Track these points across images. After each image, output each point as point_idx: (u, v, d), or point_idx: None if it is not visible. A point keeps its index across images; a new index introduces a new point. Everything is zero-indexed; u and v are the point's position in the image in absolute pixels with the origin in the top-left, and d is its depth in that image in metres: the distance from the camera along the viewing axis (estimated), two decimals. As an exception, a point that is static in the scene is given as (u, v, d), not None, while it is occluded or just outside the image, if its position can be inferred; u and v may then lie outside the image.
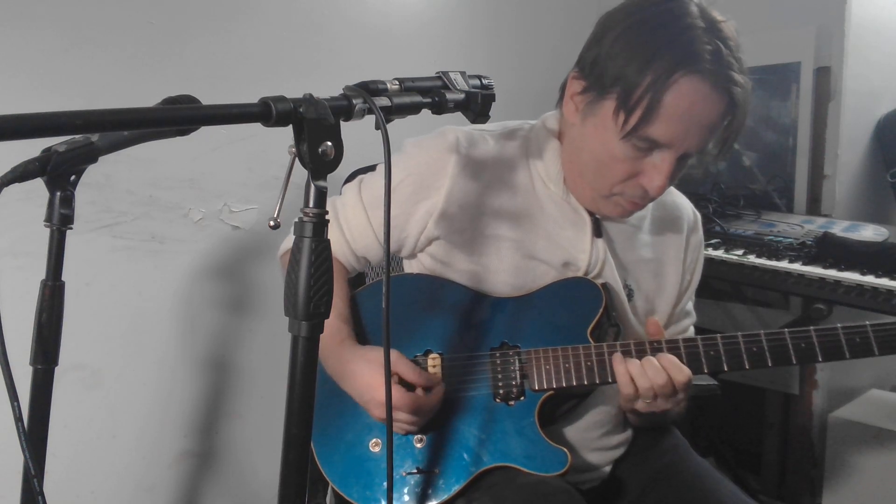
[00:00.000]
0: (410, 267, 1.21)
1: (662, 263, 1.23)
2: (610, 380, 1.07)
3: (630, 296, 1.18)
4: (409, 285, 1.17)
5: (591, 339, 1.10)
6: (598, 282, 1.13)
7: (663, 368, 1.03)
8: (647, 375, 1.03)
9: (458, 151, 1.10)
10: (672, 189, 1.25)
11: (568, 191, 1.15)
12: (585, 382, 1.07)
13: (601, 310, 1.10)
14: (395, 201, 1.11)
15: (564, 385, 1.07)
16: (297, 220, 0.70)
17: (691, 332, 1.30)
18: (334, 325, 1.10)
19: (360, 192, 1.17)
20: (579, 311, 1.11)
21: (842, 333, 1.03)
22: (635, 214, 1.16)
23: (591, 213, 1.15)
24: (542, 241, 1.13)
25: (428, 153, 1.11)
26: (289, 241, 1.23)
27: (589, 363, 1.07)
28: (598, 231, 1.15)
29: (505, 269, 1.13)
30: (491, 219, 1.12)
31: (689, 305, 1.29)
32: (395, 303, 1.12)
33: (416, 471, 1.07)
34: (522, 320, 1.12)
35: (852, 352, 1.02)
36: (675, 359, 1.04)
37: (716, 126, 1.01)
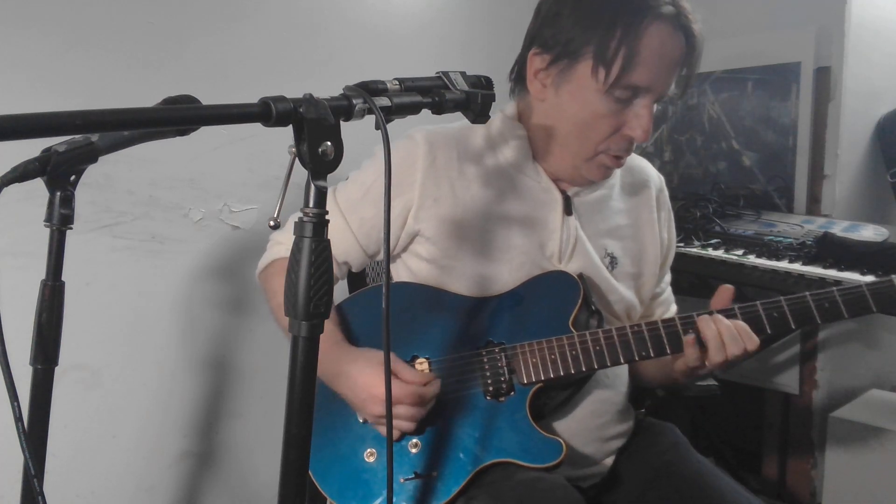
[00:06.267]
0: (398, 274, 1.22)
1: (639, 226, 1.27)
2: (596, 366, 1.09)
3: (614, 264, 1.21)
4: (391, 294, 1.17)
5: (573, 329, 1.11)
6: (574, 272, 1.15)
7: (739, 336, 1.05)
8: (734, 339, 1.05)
9: (425, 147, 1.14)
10: (634, 154, 1.28)
11: (539, 171, 1.18)
12: (572, 371, 1.09)
13: (579, 300, 1.13)
14: (371, 202, 1.15)
15: (552, 376, 1.09)
16: (296, 219, 0.70)
17: (669, 290, 1.36)
18: (327, 329, 1.11)
19: (336, 198, 1.19)
20: (559, 303, 1.13)
21: (837, 295, 1.06)
22: (606, 183, 1.22)
23: (562, 191, 1.19)
24: (519, 224, 1.16)
25: (397, 153, 1.13)
26: (266, 258, 1.24)
27: (574, 352, 1.09)
28: (568, 209, 1.18)
29: (498, 257, 1.15)
30: (469, 208, 1.14)
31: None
32: (378, 312, 1.12)
33: (413, 476, 1.07)
34: (505, 318, 1.14)
35: (849, 311, 1.06)
36: (745, 326, 1.06)
37: (680, 64, 1.10)
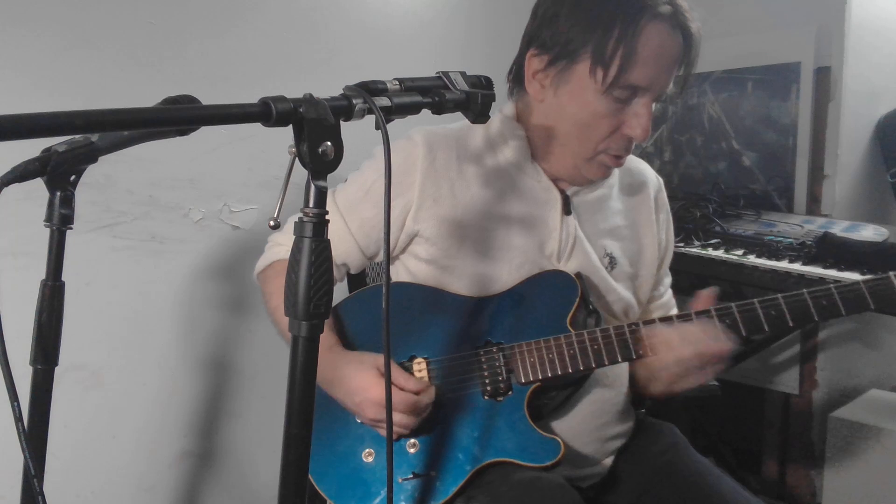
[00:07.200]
0: (397, 275, 1.22)
1: (637, 227, 1.27)
2: (594, 365, 1.09)
3: (613, 265, 1.22)
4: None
5: (570, 329, 1.11)
6: (572, 271, 1.15)
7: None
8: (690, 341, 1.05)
9: (424, 147, 1.14)
10: (632, 156, 1.28)
11: (538, 170, 1.19)
12: (570, 370, 1.09)
13: (577, 299, 1.13)
14: (371, 202, 1.15)
15: (550, 375, 1.09)
16: (296, 219, 0.70)
17: (670, 293, 1.35)
18: None
19: (335, 199, 1.19)
20: (556, 302, 1.13)
21: (835, 292, 1.06)
22: (605, 182, 1.22)
23: (561, 191, 1.19)
24: (518, 224, 1.16)
25: (396, 153, 1.13)
26: (266, 259, 1.24)
27: (571, 351, 1.09)
28: (567, 208, 1.19)
29: (498, 257, 1.15)
30: (469, 208, 1.15)
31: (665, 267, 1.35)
32: (377, 312, 1.12)
33: (412, 476, 1.07)
34: (503, 318, 1.14)
35: (847, 308, 1.06)
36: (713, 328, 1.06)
37: (678, 63, 1.11)
